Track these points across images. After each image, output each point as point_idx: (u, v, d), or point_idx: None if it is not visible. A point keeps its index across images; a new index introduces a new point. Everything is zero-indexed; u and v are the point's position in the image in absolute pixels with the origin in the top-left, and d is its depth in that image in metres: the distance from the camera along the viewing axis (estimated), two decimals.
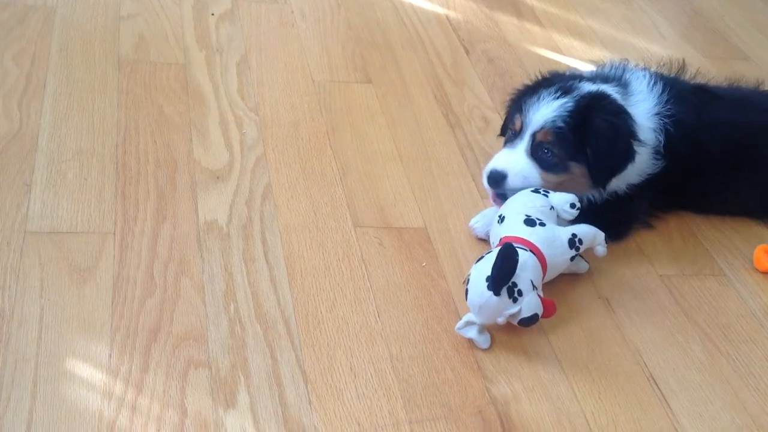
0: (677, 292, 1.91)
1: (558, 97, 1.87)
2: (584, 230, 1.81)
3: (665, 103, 1.95)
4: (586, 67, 2.65)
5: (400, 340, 1.70)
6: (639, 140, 1.89)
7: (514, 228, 1.77)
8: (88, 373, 1.55)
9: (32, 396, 1.50)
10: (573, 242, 1.77)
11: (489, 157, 2.23)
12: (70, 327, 1.63)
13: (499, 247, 1.69)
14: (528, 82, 2.04)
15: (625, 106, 1.91)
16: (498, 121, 2.37)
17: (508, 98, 2.06)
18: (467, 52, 2.69)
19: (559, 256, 1.76)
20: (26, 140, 2.07)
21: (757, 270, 1.99)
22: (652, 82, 1.98)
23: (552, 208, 1.81)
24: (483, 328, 1.70)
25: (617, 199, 1.95)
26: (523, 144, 1.89)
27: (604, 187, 1.91)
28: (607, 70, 2.05)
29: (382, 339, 1.70)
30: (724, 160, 2.02)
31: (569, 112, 1.85)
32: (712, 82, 2.21)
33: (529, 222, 1.77)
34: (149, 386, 1.54)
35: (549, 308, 1.68)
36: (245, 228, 1.91)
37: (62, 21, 2.53)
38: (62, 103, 2.21)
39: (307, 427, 1.51)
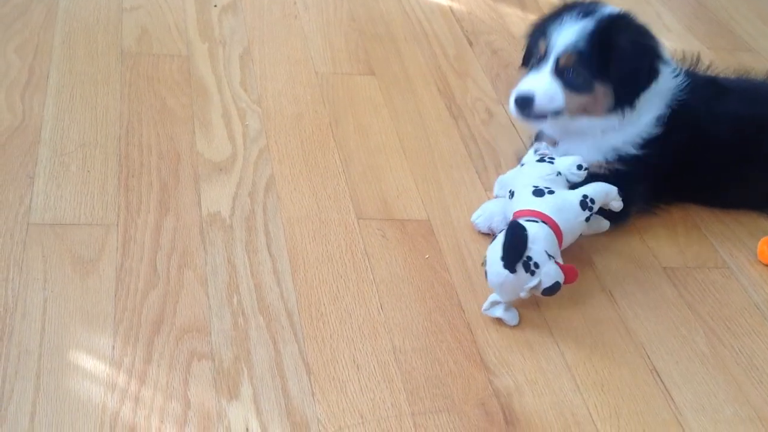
0: (681, 284, 1.91)
1: (580, 19, 1.91)
2: (595, 188, 1.81)
3: (680, 89, 1.97)
4: None
5: (403, 332, 1.70)
6: (662, 58, 1.94)
7: (523, 201, 1.78)
8: (91, 365, 1.55)
9: (35, 388, 1.50)
10: (585, 203, 1.77)
11: (492, 149, 2.24)
12: (73, 319, 1.63)
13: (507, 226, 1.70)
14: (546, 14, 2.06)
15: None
16: (502, 113, 2.36)
17: (532, 25, 2.07)
18: (471, 43, 2.68)
19: (574, 220, 1.77)
20: (29, 132, 2.07)
21: (761, 262, 1.99)
22: (678, 71, 2.01)
23: (559, 173, 1.82)
24: (509, 305, 1.71)
25: (617, 172, 1.95)
26: (548, 66, 1.92)
27: (630, 106, 1.92)
28: None
29: (385, 331, 1.70)
30: (730, 152, 2.02)
31: (591, 33, 1.89)
32: (720, 74, 2.20)
33: (538, 192, 1.78)
34: (152, 378, 1.54)
35: (569, 274, 1.69)
36: (248, 220, 1.91)
37: (65, 13, 2.53)
38: (65, 96, 2.21)
39: (309, 418, 1.52)
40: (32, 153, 2.01)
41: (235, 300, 1.72)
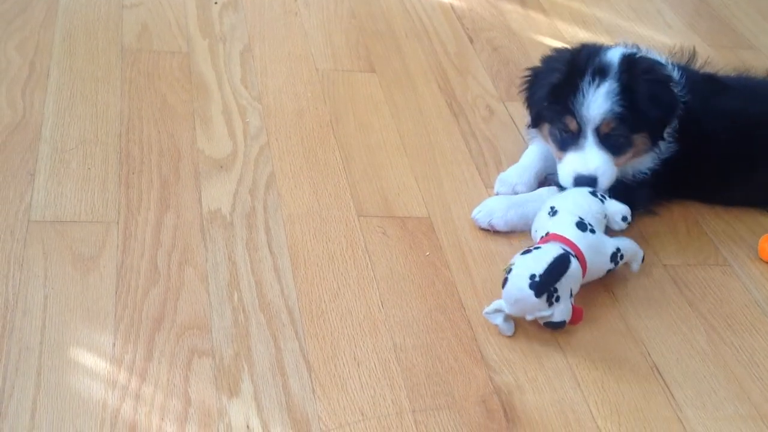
0: (681, 282, 1.91)
1: (600, 83, 1.88)
2: (628, 246, 1.83)
3: (683, 89, 1.97)
4: None
5: (403, 330, 1.70)
6: (675, 81, 1.94)
7: (564, 227, 1.77)
8: (92, 363, 1.55)
9: (36, 385, 1.50)
10: (615, 256, 1.79)
11: (493, 146, 2.23)
12: (73, 316, 1.63)
13: (552, 248, 1.68)
14: (537, 68, 2.03)
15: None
16: (502, 111, 2.36)
17: (524, 85, 2.04)
18: (471, 40, 2.68)
19: (599, 265, 1.78)
20: (30, 130, 2.07)
21: (761, 260, 1.99)
22: (673, 69, 2.00)
23: (605, 216, 1.83)
24: (509, 317, 1.70)
25: (627, 185, 1.96)
26: (589, 141, 1.90)
27: (662, 140, 1.94)
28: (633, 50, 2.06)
29: (385, 328, 1.70)
30: (732, 150, 2.02)
31: (619, 93, 1.88)
32: (721, 72, 2.20)
33: (581, 226, 1.77)
34: (153, 375, 1.54)
35: (577, 315, 1.70)
36: (249, 217, 1.91)
37: (65, 10, 2.52)
38: (65, 93, 2.21)
39: (310, 416, 1.52)
40: (33, 150, 2.01)
41: (235, 297, 1.72)
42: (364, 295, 1.76)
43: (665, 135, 1.95)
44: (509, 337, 1.71)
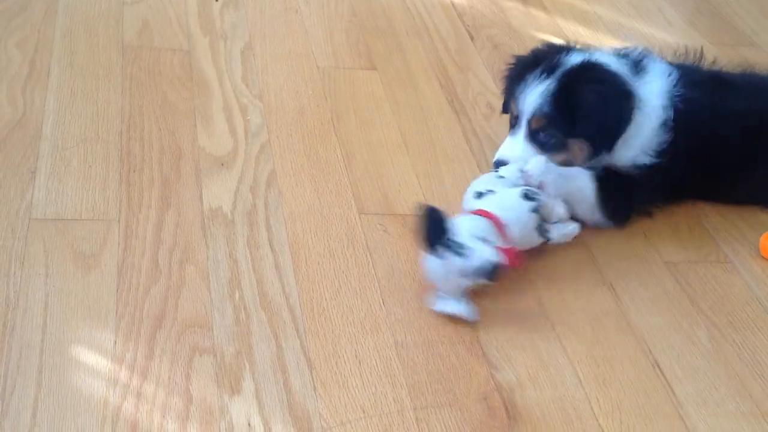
0: (682, 278, 1.91)
1: (542, 80, 1.91)
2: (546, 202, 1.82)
3: (677, 86, 1.96)
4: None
5: (404, 327, 1.70)
6: (633, 97, 1.90)
7: (469, 207, 1.81)
8: (93, 361, 1.55)
9: (37, 383, 1.50)
10: (526, 195, 1.77)
11: (494, 143, 2.23)
12: (75, 314, 1.63)
13: None
14: (521, 57, 2.05)
15: (628, 79, 1.93)
16: None
17: (505, 72, 2.08)
18: (472, 38, 2.68)
19: (517, 211, 1.75)
20: (30, 127, 2.07)
21: (763, 257, 1.99)
22: (670, 70, 1.99)
23: (502, 177, 1.85)
24: (462, 298, 1.70)
25: (624, 178, 1.95)
26: (522, 131, 1.95)
27: (607, 153, 1.92)
28: (628, 51, 2.05)
29: (386, 326, 1.70)
30: (738, 149, 2.01)
31: (554, 94, 1.89)
32: (725, 69, 2.19)
33: (479, 195, 1.81)
34: (154, 373, 1.54)
35: (512, 256, 1.66)
36: (250, 215, 1.91)
37: (65, 7, 2.52)
38: (66, 90, 2.21)
39: (311, 413, 1.52)
40: (33, 148, 2.01)
41: (236, 295, 1.72)
42: (365, 293, 1.76)
43: (615, 148, 1.90)
44: (510, 334, 1.71)
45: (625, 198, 1.97)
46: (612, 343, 1.73)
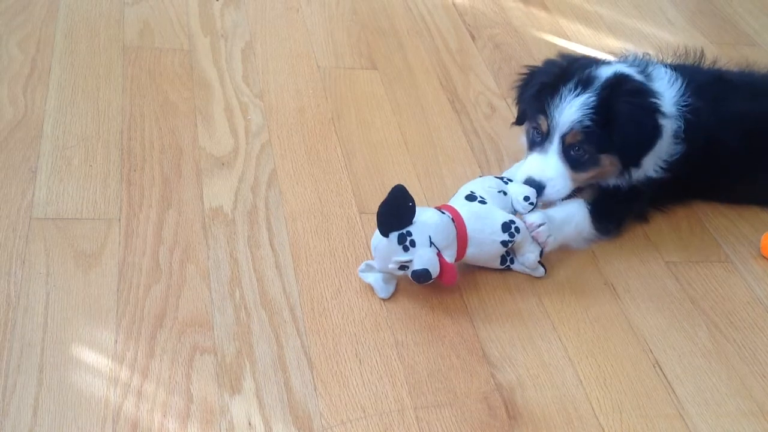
0: (683, 278, 1.91)
1: (579, 93, 1.85)
2: (524, 228, 1.78)
3: (684, 95, 1.93)
4: (593, 55, 2.64)
5: (405, 327, 1.70)
6: (663, 113, 1.88)
7: (454, 201, 1.79)
8: (94, 360, 1.55)
9: (38, 382, 1.50)
10: (508, 226, 1.74)
11: (495, 143, 2.23)
12: (75, 313, 1.63)
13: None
14: (536, 68, 2.01)
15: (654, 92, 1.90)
16: (504, 108, 2.36)
17: (519, 82, 2.02)
18: (473, 38, 2.68)
19: (488, 235, 1.74)
20: (31, 127, 2.07)
21: (763, 257, 1.98)
22: (673, 76, 1.97)
23: (504, 193, 1.83)
24: (388, 279, 1.73)
25: (624, 190, 1.94)
26: (554, 147, 1.87)
27: (636, 167, 1.90)
28: (630, 60, 2.03)
29: (387, 325, 1.70)
30: (741, 151, 2.01)
31: (594, 108, 1.84)
32: (726, 67, 2.19)
33: (470, 197, 1.79)
34: (155, 372, 1.54)
35: (448, 272, 1.67)
36: (250, 214, 1.91)
37: (67, 7, 2.52)
38: (67, 90, 2.21)
39: (312, 413, 1.52)
40: (34, 147, 2.01)
41: (237, 294, 1.72)
42: (366, 293, 1.76)
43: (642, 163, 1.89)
44: (510, 334, 1.71)
45: (620, 213, 1.97)
46: (613, 343, 1.73)
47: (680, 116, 1.92)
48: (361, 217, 1.94)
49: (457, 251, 1.73)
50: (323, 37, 2.57)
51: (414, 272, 1.66)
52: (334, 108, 2.28)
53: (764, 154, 2.04)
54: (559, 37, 2.73)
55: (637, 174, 1.92)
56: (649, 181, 1.94)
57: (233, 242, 1.83)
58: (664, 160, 1.93)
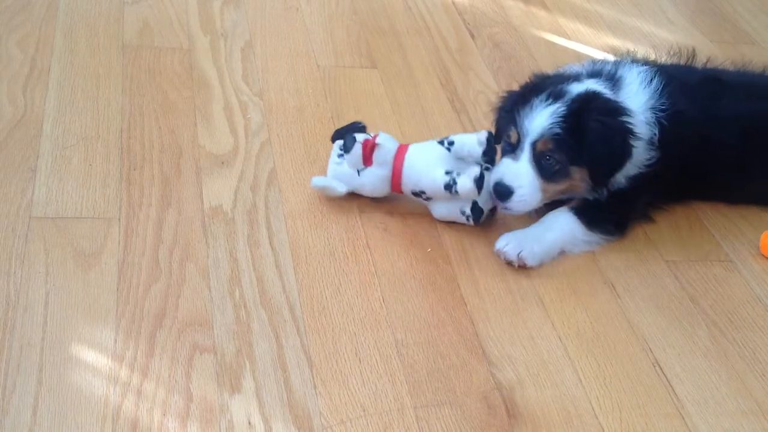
0: (683, 277, 1.91)
1: (550, 104, 1.86)
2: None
3: (661, 97, 1.93)
4: (593, 53, 2.64)
5: (405, 326, 1.70)
6: (635, 135, 1.87)
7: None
8: (94, 359, 1.55)
9: (38, 381, 1.50)
10: (442, 142, 1.92)
11: None
12: (75, 312, 1.63)
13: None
14: (512, 89, 2.02)
15: (628, 111, 1.89)
16: None
17: (497, 104, 2.03)
18: (473, 37, 2.67)
19: (427, 152, 1.92)
20: (31, 126, 2.07)
21: (763, 256, 1.98)
22: (649, 77, 1.96)
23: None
24: (339, 181, 1.93)
25: (618, 192, 1.94)
26: (525, 155, 1.86)
27: (604, 186, 1.91)
28: (599, 66, 2.03)
29: (387, 324, 1.70)
30: (736, 151, 2.00)
31: (563, 116, 1.84)
32: (721, 68, 2.19)
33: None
34: (155, 371, 1.54)
35: (365, 146, 1.91)
36: (250, 213, 1.91)
37: (66, 6, 2.52)
38: (67, 89, 2.21)
39: (312, 412, 1.52)
40: (34, 146, 2.01)
41: (237, 293, 1.71)
42: (366, 291, 1.76)
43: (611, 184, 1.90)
44: (510, 332, 1.71)
45: (623, 210, 1.96)
46: (612, 342, 1.73)
47: (654, 122, 1.91)
48: (361, 216, 1.94)
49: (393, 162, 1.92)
50: (323, 36, 2.57)
51: (344, 144, 1.93)
52: (333, 107, 2.28)
53: (760, 154, 2.04)
54: (559, 36, 2.73)
55: (616, 182, 1.92)
56: (633, 181, 1.93)
57: (233, 241, 1.83)
58: (638, 167, 1.92)
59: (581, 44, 2.70)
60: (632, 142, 1.87)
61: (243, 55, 2.43)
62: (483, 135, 1.90)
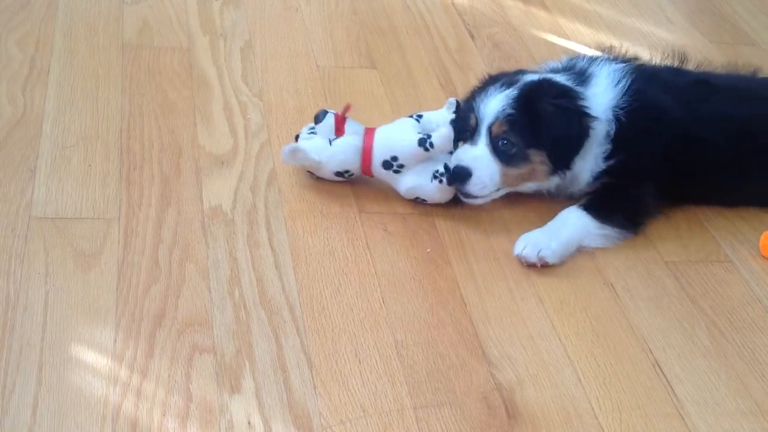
0: (683, 278, 1.91)
1: (504, 89, 1.92)
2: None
3: (626, 96, 1.95)
4: (591, 52, 2.64)
5: (404, 326, 1.70)
6: (590, 116, 1.92)
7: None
8: (93, 359, 1.55)
9: (37, 381, 1.50)
10: (411, 116, 1.98)
11: None
12: (75, 313, 1.63)
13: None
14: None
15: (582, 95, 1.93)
16: None
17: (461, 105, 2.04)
18: (472, 37, 2.67)
19: (400, 131, 1.95)
20: (30, 126, 2.07)
21: (763, 257, 1.99)
22: (619, 76, 1.98)
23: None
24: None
25: (609, 185, 1.96)
26: (482, 139, 1.91)
27: (565, 169, 1.94)
28: (573, 61, 2.07)
29: (386, 325, 1.70)
30: (726, 154, 2.01)
31: (515, 99, 1.90)
32: (717, 70, 2.19)
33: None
34: (154, 371, 1.54)
35: (339, 119, 1.97)
36: (250, 214, 1.91)
37: (66, 6, 2.52)
38: (66, 89, 2.21)
39: (311, 412, 1.52)
40: (33, 146, 2.01)
41: (236, 294, 1.71)
42: (366, 292, 1.76)
43: (573, 166, 1.92)
44: (510, 333, 1.71)
45: (623, 201, 1.97)
46: (612, 343, 1.73)
47: (612, 118, 1.93)
48: (360, 216, 1.94)
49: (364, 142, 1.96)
50: (322, 37, 2.57)
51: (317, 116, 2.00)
52: (333, 107, 2.27)
53: (751, 156, 2.04)
54: (558, 36, 2.73)
55: (581, 179, 1.96)
56: (617, 166, 1.95)
57: (233, 241, 1.83)
58: (602, 163, 1.95)
59: (581, 44, 2.71)
60: (589, 124, 1.91)
61: (242, 55, 2.43)
62: (451, 101, 1.97)
